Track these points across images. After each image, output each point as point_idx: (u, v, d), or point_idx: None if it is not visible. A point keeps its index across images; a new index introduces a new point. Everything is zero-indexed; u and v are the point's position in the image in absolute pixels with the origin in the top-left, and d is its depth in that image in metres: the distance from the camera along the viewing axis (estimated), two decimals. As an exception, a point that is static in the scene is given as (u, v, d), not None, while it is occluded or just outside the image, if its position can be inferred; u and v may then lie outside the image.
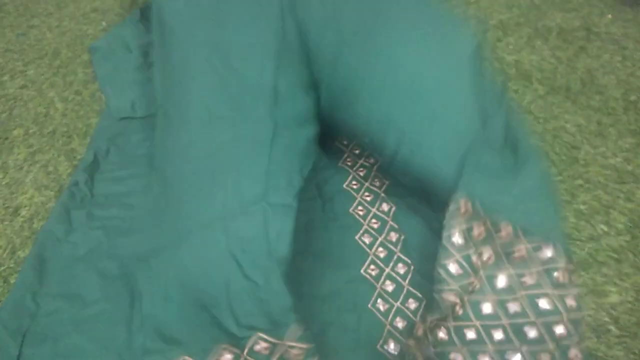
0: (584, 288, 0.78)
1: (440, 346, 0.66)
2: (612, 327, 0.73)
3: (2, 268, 0.85)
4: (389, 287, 0.79)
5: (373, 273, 0.81)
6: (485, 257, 0.70)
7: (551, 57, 1.25)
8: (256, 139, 0.77)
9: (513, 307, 0.66)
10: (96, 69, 1.25)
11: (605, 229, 0.86)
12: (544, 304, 0.66)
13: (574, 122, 1.06)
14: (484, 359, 0.64)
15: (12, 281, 0.83)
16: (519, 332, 0.65)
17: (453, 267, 0.70)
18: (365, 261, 0.83)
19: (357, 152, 1.01)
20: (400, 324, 0.74)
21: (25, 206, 0.95)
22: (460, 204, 0.72)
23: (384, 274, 0.81)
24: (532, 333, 0.65)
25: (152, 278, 0.75)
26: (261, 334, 0.67)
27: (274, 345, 0.66)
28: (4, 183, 1.00)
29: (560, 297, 0.66)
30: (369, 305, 0.76)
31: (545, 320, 0.65)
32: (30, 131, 1.11)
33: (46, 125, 1.12)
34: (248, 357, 0.67)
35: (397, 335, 0.73)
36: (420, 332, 0.71)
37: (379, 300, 0.77)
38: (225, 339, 0.68)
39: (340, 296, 0.79)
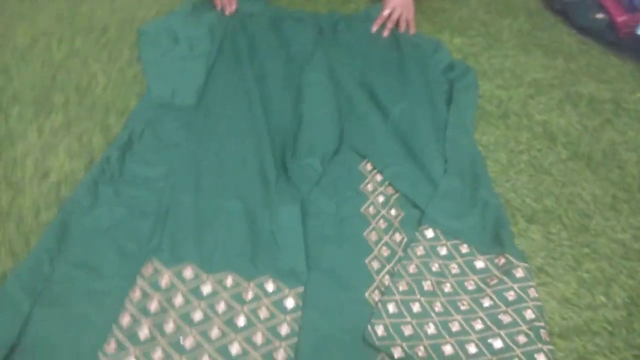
0: (573, 354, 0.80)
1: None
2: (595, 397, 0.75)
3: (26, 227, 0.88)
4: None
5: (376, 299, 0.84)
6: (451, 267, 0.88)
7: (578, 124, 1.28)
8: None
9: (486, 302, 0.83)
10: (141, 53, 1.29)
11: (604, 300, 0.88)
12: (510, 296, 0.83)
13: (590, 191, 1.09)
14: (471, 346, 0.78)
15: (32, 242, 0.86)
16: (495, 320, 0.80)
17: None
18: (371, 286, 0.85)
19: (379, 179, 1.04)
20: (397, 354, 0.76)
21: (55, 172, 0.99)
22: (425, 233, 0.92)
23: (387, 302, 0.84)
24: (506, 319, 0.80)
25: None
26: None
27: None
28: (38, 145, 1.03)
29: (523, 290, 0.83)
30: (369, 328, 0.78)
31: (515, 308, 0.81)
32: (70, 100, 1.15)
33: (87, 96, 1.16)
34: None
35: (391, 363, 0.76)
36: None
37: (378, 327, 0.80)
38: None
39: (341, 314, 0.81)
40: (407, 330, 0.79)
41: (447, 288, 0.85)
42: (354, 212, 0.97)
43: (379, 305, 0.81)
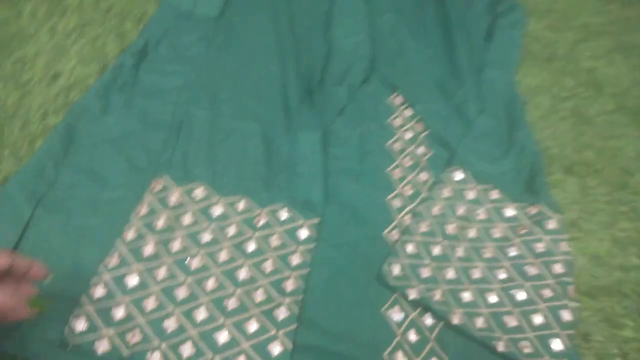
0: (600, 314, 0.75)
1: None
2: (619, 360, 0.71)
3: (31, 129, 0.83)
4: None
5: (394, 238, 0.79)
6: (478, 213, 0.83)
7: (627, 75, 1.18)
8: None
9: (512, 251, 0.78)
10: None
11: (638, 262, 0.83)
12: (539, 248, 0.77)
13: (634, 147, 1.01)
14: (492, 296, 0.73)
15: (36, 145, 0.82)
16: (520, 271, 0.75)
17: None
18: (390, 224, 0.80)
19: (408, 114, 0.97)
20: (412, 295, 0.72)
21: (65, 75, 0.93)
22: (454, 175, 0.87)
23: (405, 242, 0.79)
24: (532, 271, 0.75)
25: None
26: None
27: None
28: (49, 46, 0.97)
29: (553, 242, 0.78)
30: (385, 266, 0.74)
31: (544, 260, 0.76)
32: (86, 1, 1.07)
33: (103, 0, 1.08)
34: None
35: (404, 304, 0.72)
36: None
37: (394, 266, 0.75)
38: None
39: (356, 250, 0.77)
40: (425, 273, 0.74)
41: (472, 233, 0.80)
42: (378, 147, 0.91)
43: (398, 244, 0.76)
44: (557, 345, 0.68)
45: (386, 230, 0.79)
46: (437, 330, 0.69)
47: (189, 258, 0.72)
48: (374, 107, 0.98)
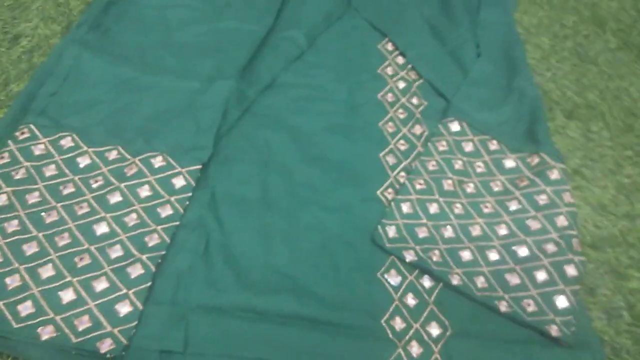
0: (605, 266, 0.72)
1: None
2: (625, 313, 0.68)
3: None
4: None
5: (389, 197, 0.74)
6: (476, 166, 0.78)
7: (632, 9, 1.11)
8: None
9: (513, 205, 0.73)
10: None
11: (644, 209, 0.79)
12: (541, 200, 0.73)
13: (639, 87, 0.96)
14: (492, 253, 0.70)
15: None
16: (522, 226, 0.71)
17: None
18: (385, 183, 0.76)
19: (400, 62, 0.91)
20: (409, 257, 0.68)
21: (27, 36, 0.85)
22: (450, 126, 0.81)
23: (401, 200, 0.75)
24: (534, 225, 0.71)
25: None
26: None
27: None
28: (6, 4, 0.89)
29: (556, 193, 0.73)
30: (379, 229, 0.70)
31: (546, 213, 0.72)
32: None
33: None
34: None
35: (401, 267, 0.68)
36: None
37: (389, 228, 0.71)
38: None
39: (349, 213, 0.72)
40: (422, 233, 0.70)
41: (470, 188, 0.76)
42: (369, 99, 0.85)
43: (393, 204, 0.72)
44: (562, 302, 0.65)
45: (380, 189, 0.75)
46: (436, 292, 0.66)
47: (44, 213, 0.66)
48: (364, 54, 0.92)
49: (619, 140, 0.87)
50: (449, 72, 0.90)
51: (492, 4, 1.00)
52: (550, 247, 0.69)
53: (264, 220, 0.70)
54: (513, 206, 0.73)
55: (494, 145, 0.80)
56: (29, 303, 0.59)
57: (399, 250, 0.68)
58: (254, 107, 0.81)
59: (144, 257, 0.64)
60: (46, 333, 0.57)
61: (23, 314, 0.58)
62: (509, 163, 0.78)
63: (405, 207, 0.73)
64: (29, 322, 0.58)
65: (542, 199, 0.73)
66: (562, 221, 0.71)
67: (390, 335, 0.62)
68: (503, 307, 0.64)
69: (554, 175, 0.75)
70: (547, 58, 0.97)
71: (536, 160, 0.77)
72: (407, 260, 0.67)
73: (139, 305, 0.60)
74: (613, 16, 1.08)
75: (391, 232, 0.70)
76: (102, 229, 0.66)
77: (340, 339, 0.61)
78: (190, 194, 0.70)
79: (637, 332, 0.67)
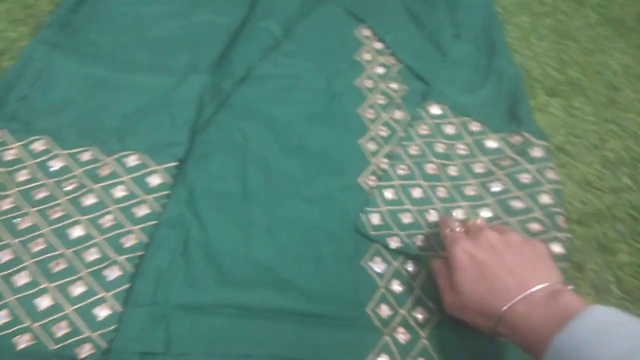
0: (593, 241, 0.71)
1: None
2: (614, 288, 0.68)
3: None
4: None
5: (371, 184, 0.73)
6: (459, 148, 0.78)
7: (611, -18, 1.10)
8: None
9: (495, 187, 0.73)
10: None
11: (630, 182, 0.78)
12: (525, 179, 0.72)
13: (620, 61, 0.95)
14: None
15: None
16: (505, 207, 0.71)
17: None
18: (365, 169, 0.74)
19: (378, 47, 0.90)
20: (393, 244, 0.67)
21: (-5, 40, 0.84)
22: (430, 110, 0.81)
23: (383, 186, 0.74)
24: (518, 205, 0.71)
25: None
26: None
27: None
28: (-29, 9, 0.87)
29: (539, 171, 0.73)
30: (362, 216, 0.69)
31: (530, 192, 0.71)
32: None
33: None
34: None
35: (385, 254, 0.67)
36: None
37: (372, 216, 0.70)
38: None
39: (331, 202, 0.71)
40: (406, 219, 0.69)
41: (453, 171, 0.75)
42: (347, 86, 0.84)
43: (375, 191, 0.71)
44: (549, 280, 0.64)
45: (361, 177, 0.74)
46: (421, 277, 0.65)
47: (18, 219, 0.65)
48: (341, 41, 0.90)
49: (602, 115, 0.86)
50: (428, 55, 0.88)
51: (469, -16, 0.98)
52: (535, 226, 0.68)
53: (243, 214, 0.68)
54: (496, 187, 0.72)
55: (475, 126, 0.79)
56: (4, 312, 0.58)
57: (382, 237, 0.67)
58: (230, 99, 0.79)
59: (121, 258, 0.62)
60: (23, 342, 0.56)
61: None
62: (491, 143, 0.77)
63: (389, 194, 0.71)
64: (4, 332, 0.56)
65: (526, 178, 0.72)
66: (546, 199, 0.70)
67: (377, 323, 0.61)
68: None
69: (537, 153, 0.74)
70: (527, 37, 0.96)
71: (518, 139, 0.76)
72: (392, 247, 0.66)
73: (118, 308, 0.59)
74: (592, -9, 1.07)
75: (375, 219, 0.69)
76: (77, 232, 0.64)
77: (325, 330, 0.60)
78: (167, 192, 0.68)
79: (626, 306, 0.66)
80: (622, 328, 0.43)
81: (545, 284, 0.51)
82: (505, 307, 0.50)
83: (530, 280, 0.51)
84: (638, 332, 0.42)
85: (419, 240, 0.67)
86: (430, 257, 0.65)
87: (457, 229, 0.62)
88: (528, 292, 0.50)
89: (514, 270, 0.53)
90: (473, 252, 0.56)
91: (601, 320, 0.44)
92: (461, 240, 0.58)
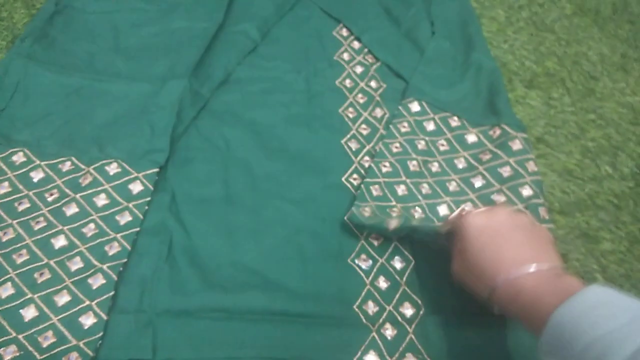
0: (576, 230, 0.72)
1: None
2: (598, 276, 0.68)
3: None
4: (370, 200, 0.73)
5: (355, 183, 0.73)
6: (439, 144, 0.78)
7: (585, -26, 1.11)
8: None
9: (477, 182, 0.73)
10: None
11: (610, 171, 0.79)
12: (505, 172, 0.73)
13: (597, 50, 0.96)
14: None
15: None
16: (488, 201, 0.71)
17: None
18: (349, 169, 0.75)
19: (356, 46, 0.90)
20: (375, 241, 0.68)
21: (-31, 54, 0.83)
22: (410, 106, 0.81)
23: (366, 185, 0.74)
24: (499, 199, 0.71)
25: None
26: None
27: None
28: (-54, 23, 0.86)
29: (520, 163, 0.73)
30: (354, 210, 0.68)
31: (511, 185, 0.71)
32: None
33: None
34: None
35: (370, 250, 0.67)
36: None
37: (364, 209, 0.70)
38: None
39: (314, 202, 0.71)
40: (394, 214, 0.69)
41: (435, 167, 0.75)
42: (327, 86, 0.84)
43: (363, 187, 0.71)
44: (533, 271, 0.65)
45: (345, 176, 0.74)
46: (407, 273, 0.66)
47: (2, 230, 0.64)
48: (319, 42, 0.91)
49: (581, 105, 0.87)
50: (405, 53, 0.89)
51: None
52: None
53: (227, 218, 0.69)
54: (478, 182, 0.73)
55: (454, 121, 0.80)
56: None
57: (381, 220, 0.66)
58: (210, 104, 0.79)
59: (104, 266, 0.62)
60: (8, 353, 0.55)
61: None
62: (471, 138, 0.78)
63: (375, 190, 0.72)
64: (-11, 344, 0.56)
65: (506, 171, 0.73)
66: (527, 191, 0.71)
67: (364, 320, 0.61)
68: None
69: (517, 145, 0.74)
70: (504, 30, 0.97)
71: (498, 132, 0.77)
72: (391, 227, 0.66)
73: (103, 316, 0.59)
74: (567, -17, 1.08)
75: (366, 212, 0.68)
76: (60, 242, 0.64)
77: (313, 329, 0.60)
78: (148, 199, 0.68)
79: (611, 293, 0.67)
80: (622, 301, 0.44)
81: (551, 264, 0.52)
82: (505, 278, 0.52)
83: (536, 258, 0.53)
84: (638, 304, 0.43)
85: (417, 214, 0.68)
86: (434, 227, 0.65)
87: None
88: (533, 268, 0.51)
89: (522, 245, 0.55)
90: (486, 223, 0.57)
91: (602, 295, 0.45)
92: (476, 212, 0.60)
